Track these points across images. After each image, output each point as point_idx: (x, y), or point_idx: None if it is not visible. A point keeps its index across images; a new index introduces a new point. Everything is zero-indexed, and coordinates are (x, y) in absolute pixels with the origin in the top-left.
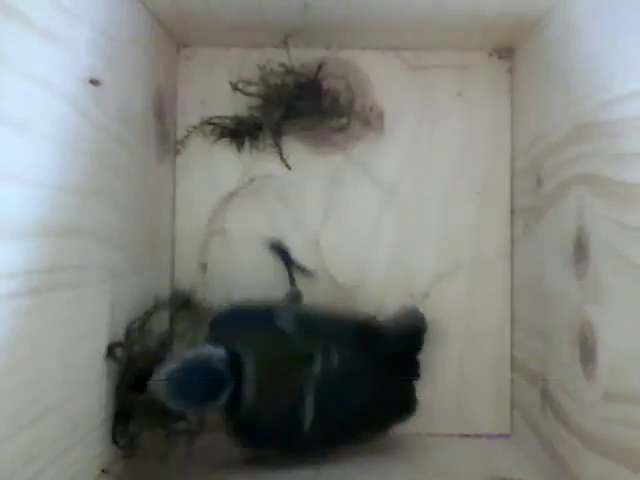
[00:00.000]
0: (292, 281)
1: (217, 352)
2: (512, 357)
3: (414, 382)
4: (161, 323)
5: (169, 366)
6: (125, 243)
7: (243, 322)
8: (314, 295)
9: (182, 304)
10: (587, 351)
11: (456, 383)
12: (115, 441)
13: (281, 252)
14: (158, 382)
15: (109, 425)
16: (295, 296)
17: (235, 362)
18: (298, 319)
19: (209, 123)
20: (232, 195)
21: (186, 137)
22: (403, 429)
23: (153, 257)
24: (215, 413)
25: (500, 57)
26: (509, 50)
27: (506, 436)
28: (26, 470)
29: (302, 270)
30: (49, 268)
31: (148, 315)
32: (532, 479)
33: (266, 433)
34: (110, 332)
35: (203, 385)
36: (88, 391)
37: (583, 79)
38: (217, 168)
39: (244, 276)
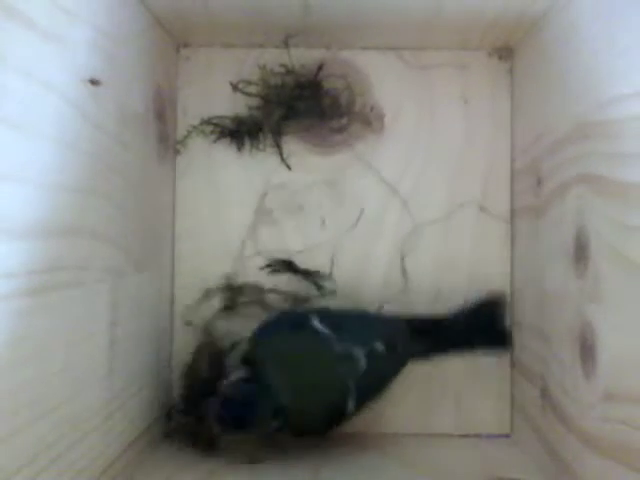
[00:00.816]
0: (318, 287)
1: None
2: (512, 357)
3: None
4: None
5: (212, 401)
6: (125, 243)
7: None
8: (312, 291)
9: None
10: (587, 351)
11: (456, 383)
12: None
13: (286, 266)
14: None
15: (110, 424)
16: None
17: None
18: (334, 320)
19: (209, 123)
20: (231, 195)
21: (186, 137)
22: (403, 429)
23: (153, 257)
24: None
25: (500, 57)
26: (509, 50)
27: (506, 436)
28: (27, 469)
29: (312, 277)
30: (50, 268)
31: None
32: (532, 479)
33: (312, 426)
34: (111, 332)
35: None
36: (89, 391)
37: (583, 79)
38: (217, 168)
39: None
